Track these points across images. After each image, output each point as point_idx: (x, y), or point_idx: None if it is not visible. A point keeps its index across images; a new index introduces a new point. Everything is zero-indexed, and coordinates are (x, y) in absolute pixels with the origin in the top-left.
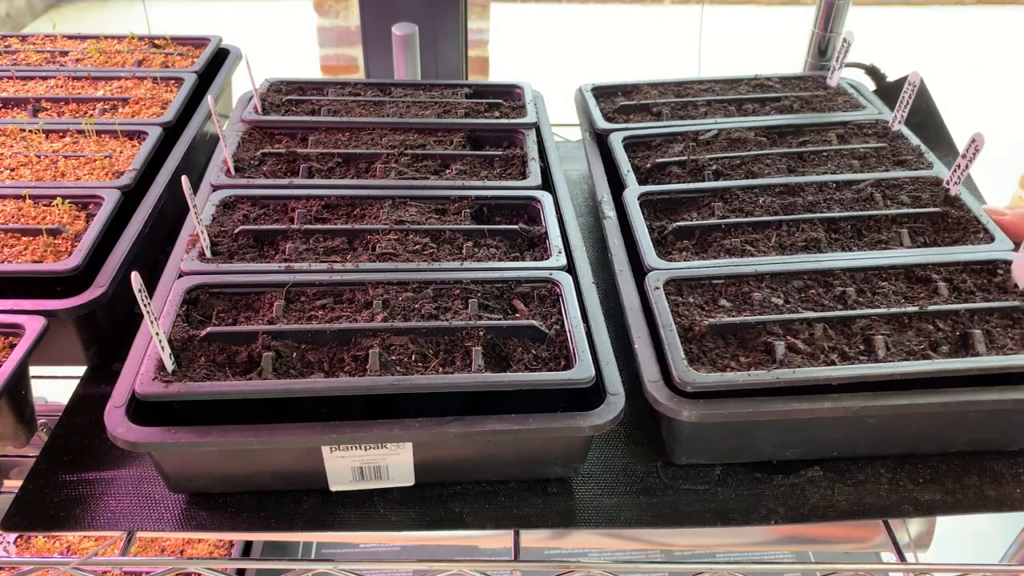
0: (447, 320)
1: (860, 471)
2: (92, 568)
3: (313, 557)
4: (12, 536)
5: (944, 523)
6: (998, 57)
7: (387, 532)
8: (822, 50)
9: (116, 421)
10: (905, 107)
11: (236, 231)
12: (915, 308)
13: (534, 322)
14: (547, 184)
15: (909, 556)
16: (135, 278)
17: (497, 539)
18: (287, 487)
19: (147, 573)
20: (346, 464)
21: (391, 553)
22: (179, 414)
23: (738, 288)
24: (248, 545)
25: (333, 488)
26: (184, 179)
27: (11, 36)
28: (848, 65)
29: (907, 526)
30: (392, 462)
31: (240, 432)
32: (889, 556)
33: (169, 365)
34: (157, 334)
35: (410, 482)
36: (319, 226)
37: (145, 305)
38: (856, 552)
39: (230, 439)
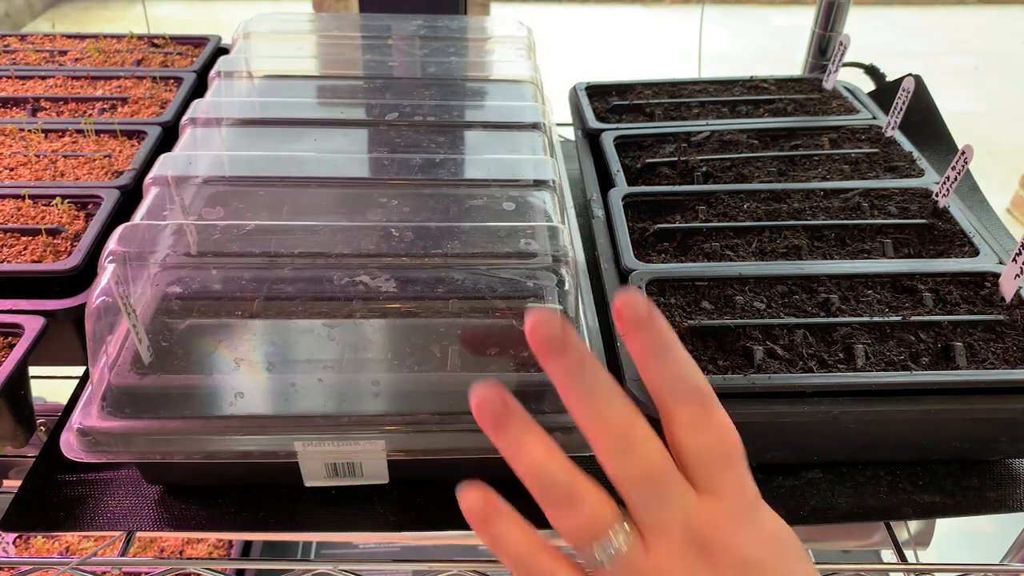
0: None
1: (860, 473)
2: (91, 568)
3: (313, 557)
4: (11, 536)
5: (944, 523)
6: (998, 56)
7: (387, 532)
8: (823, 49)
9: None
10: (899, 112)
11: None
12: (898, 318)
13: None
14: None
15: (909, 554)
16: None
17: None
18: (261, 480)
19: (147, 573)
20: (319, 459)
21: (391, 553)
22: None
23: (721, 291)
24: (247, 545)
25: (307, 484)
26: None
27: (10, 35)
28: (847, 65)
29: (907, 525)
30: (365, 459)
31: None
32: (889, 554)
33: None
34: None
35: (384, 480)
36: (304, 222)
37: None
38: (856, 551)
39: None
